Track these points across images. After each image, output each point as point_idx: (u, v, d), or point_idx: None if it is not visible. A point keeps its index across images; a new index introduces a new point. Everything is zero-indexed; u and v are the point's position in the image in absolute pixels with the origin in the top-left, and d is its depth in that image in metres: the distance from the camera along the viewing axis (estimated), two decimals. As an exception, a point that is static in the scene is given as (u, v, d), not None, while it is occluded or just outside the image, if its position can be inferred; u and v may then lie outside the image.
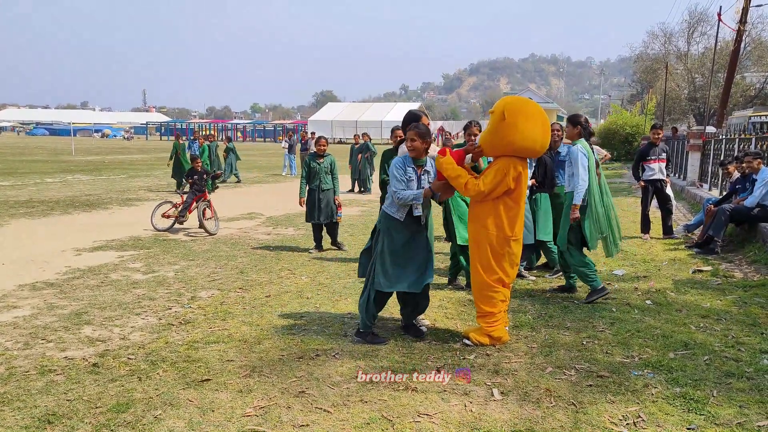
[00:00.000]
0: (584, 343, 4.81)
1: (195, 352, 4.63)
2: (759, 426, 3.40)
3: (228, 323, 5.37)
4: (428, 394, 3.87)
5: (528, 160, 5.21)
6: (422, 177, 4.78)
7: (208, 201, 10.38)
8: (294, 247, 8.99)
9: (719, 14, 17.57)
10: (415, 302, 4.99)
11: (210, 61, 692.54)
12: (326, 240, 8.94)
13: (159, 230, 10.25)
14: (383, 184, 6.23)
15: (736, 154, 11.50)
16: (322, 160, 8.56)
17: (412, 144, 4.73)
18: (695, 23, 47.40)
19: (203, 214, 10.12)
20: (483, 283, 4.75)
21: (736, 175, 9.54)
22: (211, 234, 9.99)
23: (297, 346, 4.75)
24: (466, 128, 6.77)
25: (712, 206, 9.14)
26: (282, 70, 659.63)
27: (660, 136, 9.95)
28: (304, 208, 8.81)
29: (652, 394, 3.85)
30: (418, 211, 4.74)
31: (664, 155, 9.85)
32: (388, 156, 7.38)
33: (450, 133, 31.71)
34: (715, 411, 3.59)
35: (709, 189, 14.23)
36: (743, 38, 20.92)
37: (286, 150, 23.44)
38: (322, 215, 8.53)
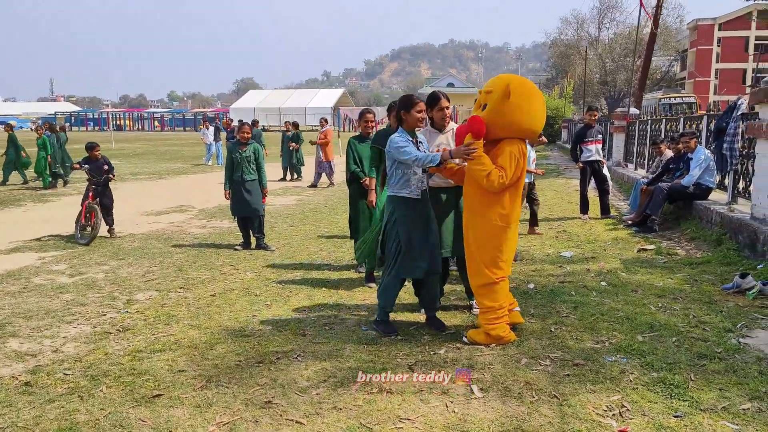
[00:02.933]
0: (552, 329, 4.71)
1: (140, 363, 4.19)
2: (744, 409, 3.36)
3: (173, 328, 4.94)
4: (405, 396, 3.63)
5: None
6: (418, 148, 4.73)
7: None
8: (233, 240, 8.51)
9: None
10: (431, 282, 4.80)
11: (122, 47, 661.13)
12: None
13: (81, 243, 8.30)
14: (354, 178, 6.31)
15: (662, 135, 11.86)
16: (244, 149, 7.87)
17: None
18: (605, 9, 49.28)
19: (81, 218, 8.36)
20: (486, 280, 4.44)
21: (669, 154, 9.80)
22: (80, 244, 8.25)
23: (254, 350, 4.40)
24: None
25: (645, 186, 9.37)
26: (199, 57, 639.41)
27: (596, 117, 10.13)
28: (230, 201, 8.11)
29: (631, 381, 3.76)
30: (425, 185, 4.67)
31: (600, 136, 10.07)
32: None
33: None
34: (698, 396, 3.53)
35: (635, 168, 14.66)
36: (658, 22, 21.72)
37: (209, 139, 22.58)
38: (246, 208, 7.87)
